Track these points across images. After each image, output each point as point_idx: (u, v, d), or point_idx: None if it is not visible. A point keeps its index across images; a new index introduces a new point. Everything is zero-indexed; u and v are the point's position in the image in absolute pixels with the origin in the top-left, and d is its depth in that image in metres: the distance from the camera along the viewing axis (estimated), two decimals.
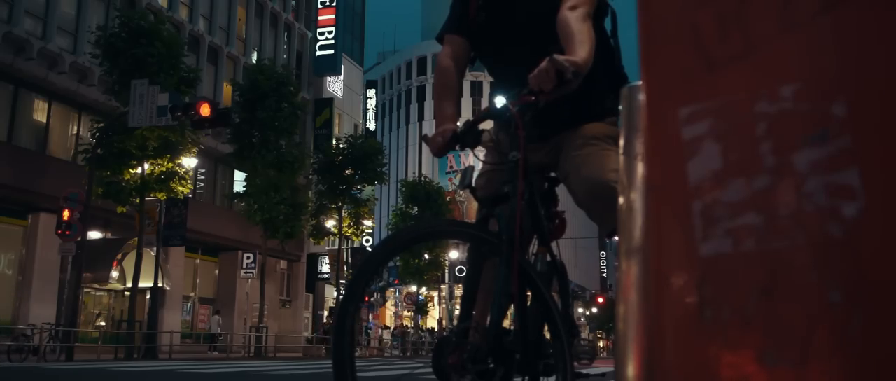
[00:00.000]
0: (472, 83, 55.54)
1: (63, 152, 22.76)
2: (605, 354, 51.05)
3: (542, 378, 2.16)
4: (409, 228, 2.42)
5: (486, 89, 52.06)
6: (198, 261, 28.68)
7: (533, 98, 2.07)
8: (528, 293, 2.11)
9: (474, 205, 2.43)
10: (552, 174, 2.51)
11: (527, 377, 2.12)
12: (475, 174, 2.46)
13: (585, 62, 2.08)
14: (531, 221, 2.23)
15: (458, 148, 2.36)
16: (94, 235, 21.49)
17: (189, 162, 20.91)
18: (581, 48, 2.12)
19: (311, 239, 31.62)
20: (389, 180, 42.08)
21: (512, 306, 2.04)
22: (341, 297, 1.91)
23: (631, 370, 1.18)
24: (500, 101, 2.31)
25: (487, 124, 2.36)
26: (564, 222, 2.42)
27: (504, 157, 2.16)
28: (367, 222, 32.62)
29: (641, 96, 1.10)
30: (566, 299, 2.42)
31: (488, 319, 1.99)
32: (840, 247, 0.87)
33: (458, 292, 37.54)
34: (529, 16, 2.45)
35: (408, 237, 2.18)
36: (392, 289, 42.77)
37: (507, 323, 2.02)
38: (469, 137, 2.30)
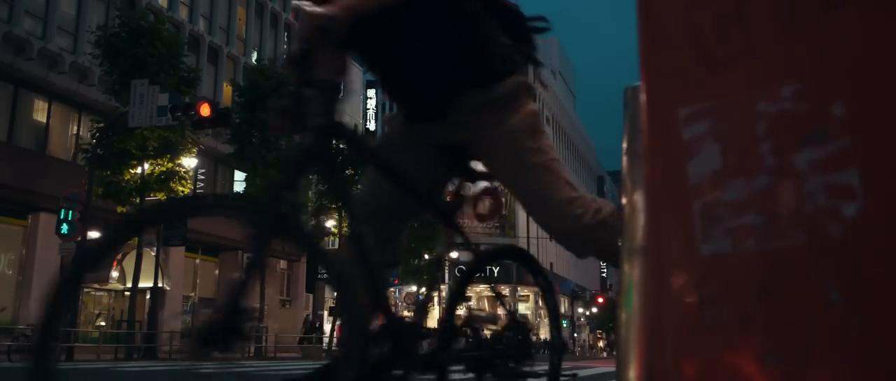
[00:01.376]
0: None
1: (63, 152, 22.75)
2: (605, 354, 51.07)
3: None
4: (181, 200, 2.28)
5: None
6: (198, 261, 28.66)
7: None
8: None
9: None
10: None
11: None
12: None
13: (346, 9, 1.81)
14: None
15: None
16: (94, 235, 21.48)
17: (189, 162, 20.92)
18: None
19: None
20: None
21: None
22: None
23: (631, 370, 1.18)
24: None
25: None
26: (499, 203, 2.29)
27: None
28: None
29: (642, 96, 1.10)
30: (555, 314, 2.43)
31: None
32: (840, 247, 0.87)
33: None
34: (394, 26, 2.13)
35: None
36: (392, 289, 42.71)
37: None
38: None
